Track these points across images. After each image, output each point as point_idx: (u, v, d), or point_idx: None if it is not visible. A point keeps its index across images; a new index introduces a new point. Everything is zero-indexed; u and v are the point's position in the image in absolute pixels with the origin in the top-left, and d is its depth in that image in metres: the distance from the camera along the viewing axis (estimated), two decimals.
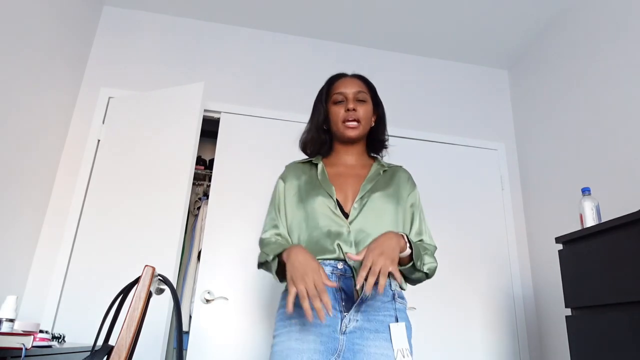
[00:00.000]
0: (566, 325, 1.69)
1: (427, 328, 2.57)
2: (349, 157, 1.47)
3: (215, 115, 2.80)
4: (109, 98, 2.70)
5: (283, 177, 1.49)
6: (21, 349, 1.07)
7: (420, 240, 1.38)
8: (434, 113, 3.10)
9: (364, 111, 1.43)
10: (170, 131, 2.46)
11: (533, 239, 2.84)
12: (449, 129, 3.07)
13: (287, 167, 1.54)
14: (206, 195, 3.20)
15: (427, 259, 1.28)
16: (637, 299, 1.37)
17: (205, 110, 2.76)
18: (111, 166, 2.49)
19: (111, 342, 0.98)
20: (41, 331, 1.60)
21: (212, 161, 3.26)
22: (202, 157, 3.41)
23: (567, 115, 2.64)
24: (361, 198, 1.33)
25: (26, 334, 1.13)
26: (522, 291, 2.77)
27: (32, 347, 1.18)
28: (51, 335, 1.59)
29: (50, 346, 1.42)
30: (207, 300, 2.41)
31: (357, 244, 1.27)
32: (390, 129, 2.90)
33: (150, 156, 2.44)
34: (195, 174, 3.00)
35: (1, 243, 2.05)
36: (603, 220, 2.17)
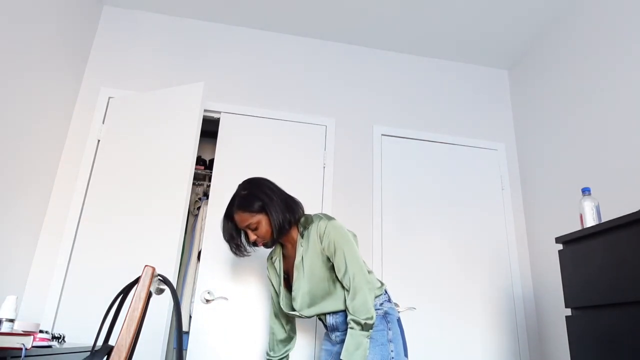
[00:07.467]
0: (566, 325, 1.69)
1: (427, 328, 2.57)
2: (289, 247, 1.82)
3: (215, 115, 2.80)
4: (109, 98, 2.70)
5: None
6: (21, 349, 1.07)
7: (345, 285, 1.62)
8: (434, 113, 3.10)
9: (258, 232, 1.68)
10: (171, 131, 2.46)
11: (533, 239, 2.84)
12: (449, 129, 3.07)
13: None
14: (206, 195, 3.19)
15: (362, 342, 1.53)
16: (637, 299, 1.37)
17: (205, 110, 2.76)
18: (111, 166, 2.49)
19: (111, 342, 0.98)
20: (41, 331, 1.60)
21: (212, 161, 3.26)
22: (202, 157, 3.41)
23: (567, 115, 2.64)
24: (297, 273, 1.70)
25: (26, 334, 1.13)
26: (522, 291, 2.76)
27: (32, 347, 1.18)
28: (51, 335, 1.59)
29: (50, 346, 1.42)
30: (207, 300, 2.41)
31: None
32: (391, 129, 2.94)
33: (150, 156, 2.44)
34: (195, 174, 3.01)
35: (1, 243, 2.05)
36: (603, 220, 2.17)
